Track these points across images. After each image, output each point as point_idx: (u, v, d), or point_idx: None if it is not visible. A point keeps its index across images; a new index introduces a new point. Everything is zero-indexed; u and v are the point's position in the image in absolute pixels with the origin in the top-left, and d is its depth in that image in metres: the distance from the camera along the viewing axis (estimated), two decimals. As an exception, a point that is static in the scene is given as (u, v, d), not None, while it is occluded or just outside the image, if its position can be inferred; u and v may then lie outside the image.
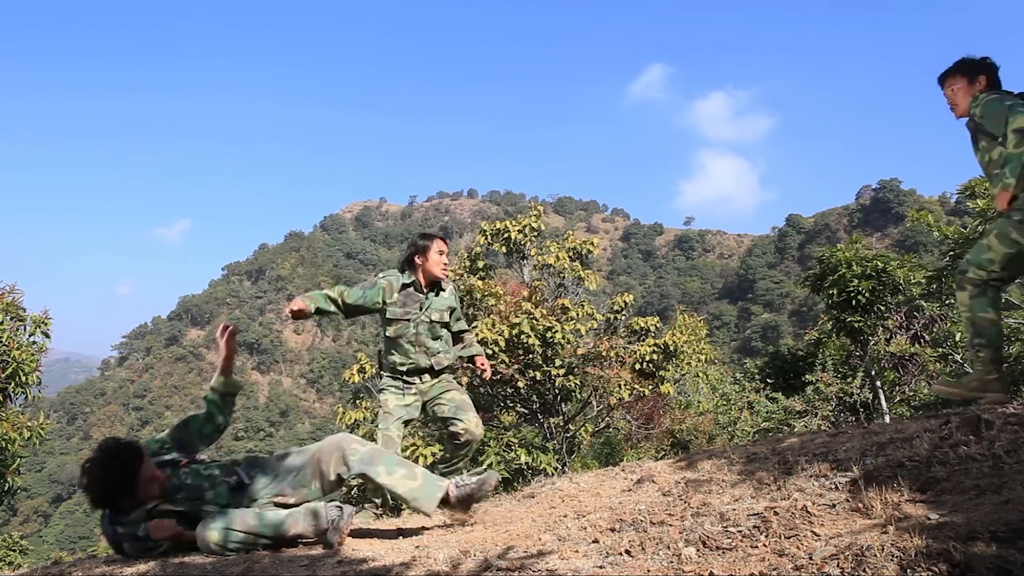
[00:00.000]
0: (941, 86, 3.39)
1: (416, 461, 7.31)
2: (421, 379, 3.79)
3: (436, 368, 3.81)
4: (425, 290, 3.81)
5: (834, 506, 2.04)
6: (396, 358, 3.76)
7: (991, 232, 3.08)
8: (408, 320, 3.73)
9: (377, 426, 3.76)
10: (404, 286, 3.78)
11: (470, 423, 3.72)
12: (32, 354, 7.14)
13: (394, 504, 3.71)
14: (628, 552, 2.01)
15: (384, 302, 3.72)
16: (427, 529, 2.91)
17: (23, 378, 6.94)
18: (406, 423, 3.78)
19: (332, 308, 3.65)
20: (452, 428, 3.74)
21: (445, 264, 3.85)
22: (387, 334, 3.76)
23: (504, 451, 8.46)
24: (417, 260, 3.81)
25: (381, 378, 3.86)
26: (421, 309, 3.77)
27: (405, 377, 3.77)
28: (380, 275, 3.84)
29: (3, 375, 6.57)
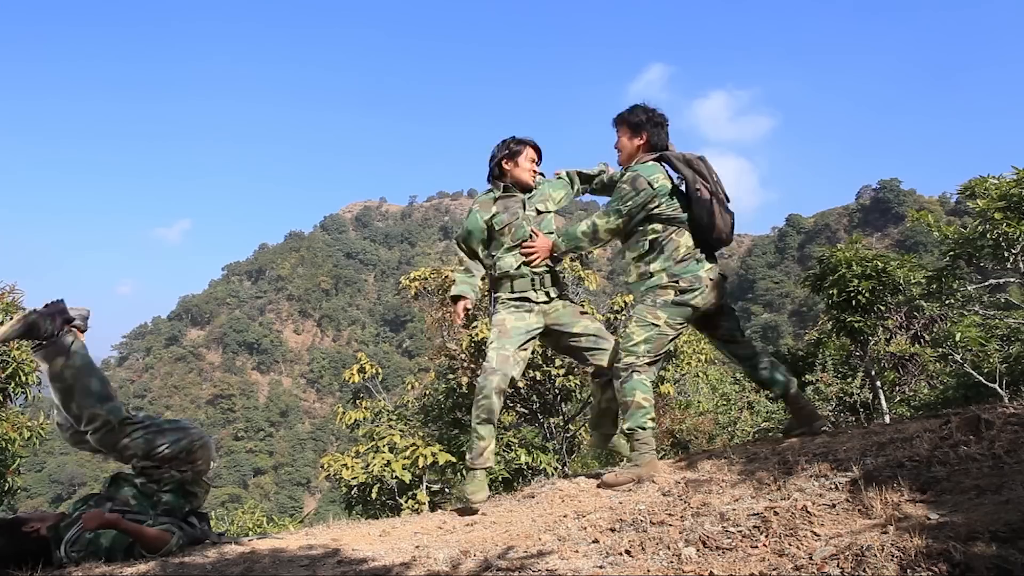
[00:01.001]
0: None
1: (416, 462, 7.29)
2: (540, 292, 3.44)
3: (557, 261, 3.52)
4: (518, 193, 3.56)
5: (834, 506, 2.04)
6: (512, 259, 3.45)
7: (630, 319, 3.27)
8: (517, 222, 3.47)
9: (491, 344, 3.37)
10: (496, 198, 3.54)
11: (614, 353, 3.34)
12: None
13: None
14: (628, 552, 2.01)
15: (486, 220, 3.50)
16: (427, 529, 2.91)
17: (23, 378, 6.93)
18: (525, 346, 3.39)
19: (475, 273, 3.57)
20: (594, 360, 3.38)
21: (535, 172, 3.60)
22: (504, 246, 3.48)
23: (504, 451, 8.47)
24: (506, 165, 3.55)
25: (493, 305, 3.56)
26: (524, 208, 3.50)
27: (523, 293, 3.43)
28: (472, 203, 3.65)
29: (3, 375, 6.56)
